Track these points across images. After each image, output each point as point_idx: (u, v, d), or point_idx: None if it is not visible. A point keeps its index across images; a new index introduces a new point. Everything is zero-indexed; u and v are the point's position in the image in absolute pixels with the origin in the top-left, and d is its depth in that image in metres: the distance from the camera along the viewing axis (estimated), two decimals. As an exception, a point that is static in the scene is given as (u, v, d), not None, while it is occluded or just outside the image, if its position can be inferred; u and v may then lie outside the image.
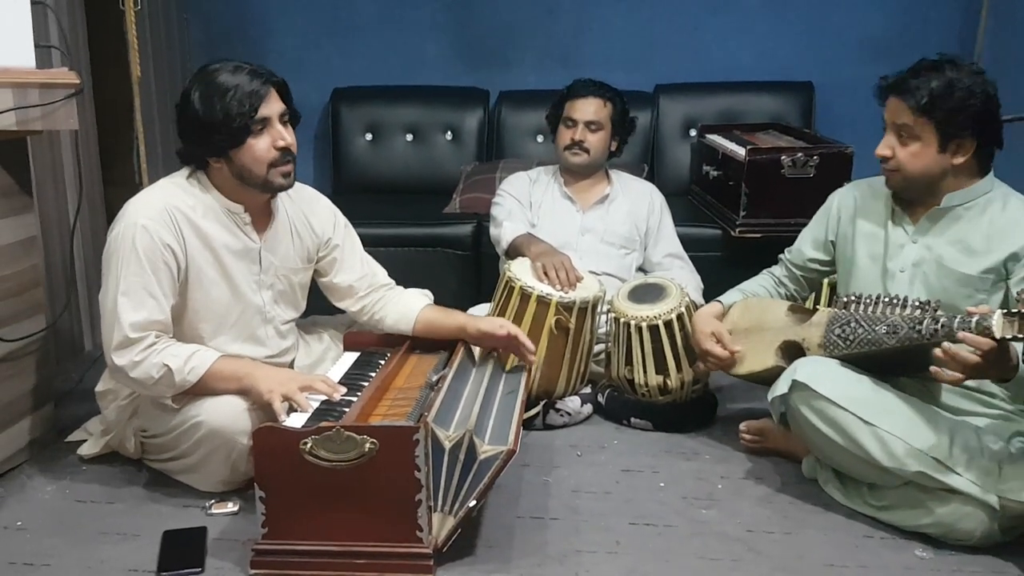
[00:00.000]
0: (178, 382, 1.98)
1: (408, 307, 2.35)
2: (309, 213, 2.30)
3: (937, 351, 1.82)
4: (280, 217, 2.23)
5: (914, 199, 2.14)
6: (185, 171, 2.14)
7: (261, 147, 2.03)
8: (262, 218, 2.18)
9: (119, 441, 2.23)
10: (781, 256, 2.49)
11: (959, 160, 2.03)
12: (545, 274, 2.55)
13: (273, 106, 2.04)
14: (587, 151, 2.90)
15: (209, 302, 2.10)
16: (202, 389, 2.01)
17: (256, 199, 2.14)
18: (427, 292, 2.46)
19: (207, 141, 2.02)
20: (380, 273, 2.41)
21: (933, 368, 1.84)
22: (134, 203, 2.06)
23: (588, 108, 2.89)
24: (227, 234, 2.11)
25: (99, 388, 2.24)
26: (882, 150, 2.09)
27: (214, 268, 2.10)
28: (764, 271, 2.53)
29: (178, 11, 3.84)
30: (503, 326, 2.25)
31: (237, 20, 4.06)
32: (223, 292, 2.12)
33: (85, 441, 2.32)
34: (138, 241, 1.98)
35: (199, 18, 4.02)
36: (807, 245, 2.40)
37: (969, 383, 1.99)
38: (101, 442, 2.26)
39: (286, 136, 2.05)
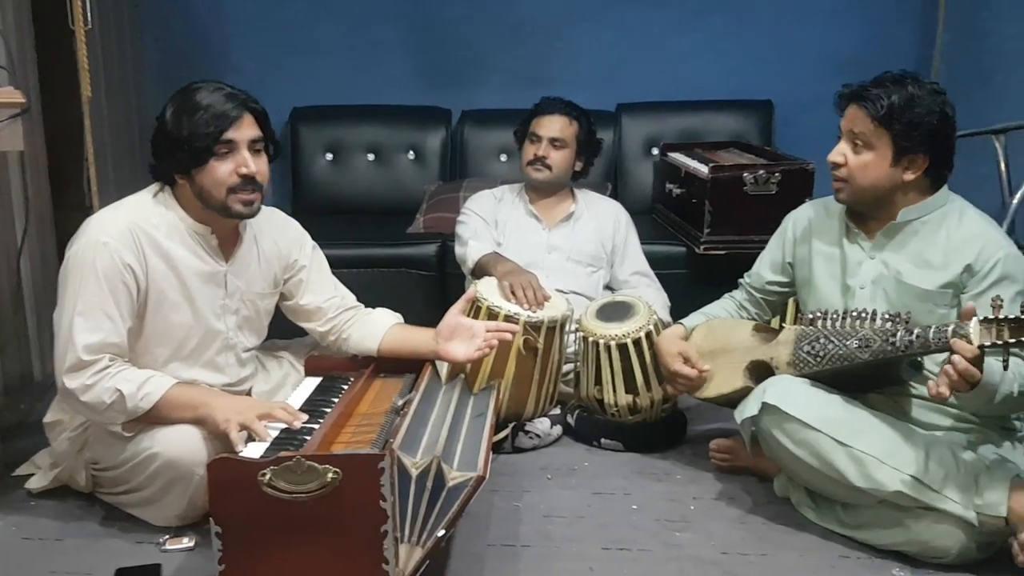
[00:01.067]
0: (130, 408, 1.91)
1: (375, 326, 2.29)
2: (278, 237, 2.25)
3: (947, 367, 1.78)
4: (248, 241, 2.17)
5: (864, 213, 2.13)
6: (152, 189, 2.08)
7: (222, 171, 1.97)
8: (229, 241, 2.12)
9: (69, 474, 2.13)
10: (741, 280, 2.48)
11: (909, 177, 2.03)
12: (512, 293, 2.51)
13: (244, 132, 1.99)
14: (549, 168, 2.88)
15: (168, 326, 2.03)
16: (155, 417, 1.94)
17: (223, 222, 2.07)
18: (397, 314, 2.40)
19: (171, 157, 1.98)
20: (349, 296, 2.35)
21: (930, 383, 1.82)
22: (96, 219, 2.00)
23: (554, 125, 2.88)
24: (193, 256, 2.05)
25: (48, 419, 2.15)
26: (834, 156, 2.08)
27: (177, 291, 2.03)
28: (725, 295, 2.51)
29: (132, 31, 3.75)
30: (469, 355, 2.18)
31: (195, 40, 3.98)
32: (185, 316, 2.05)
33: (33, 475, 2.22)
34: (98, 260, 1.92)
35: (155, 38, 3.93)
36: (765, 268, 2.39)
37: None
38: (51, 475, 2.17)
39: (250, 164, 1.99)
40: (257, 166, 2.01)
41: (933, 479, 1.87)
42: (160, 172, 2.05)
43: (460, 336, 2.20)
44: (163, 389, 1.94)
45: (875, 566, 1.93)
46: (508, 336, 2.21)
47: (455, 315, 2.23)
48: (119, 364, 1.94)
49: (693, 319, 2.44)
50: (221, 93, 1.98)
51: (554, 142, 2.88)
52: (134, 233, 1.97)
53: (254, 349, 2.26)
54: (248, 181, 1.99)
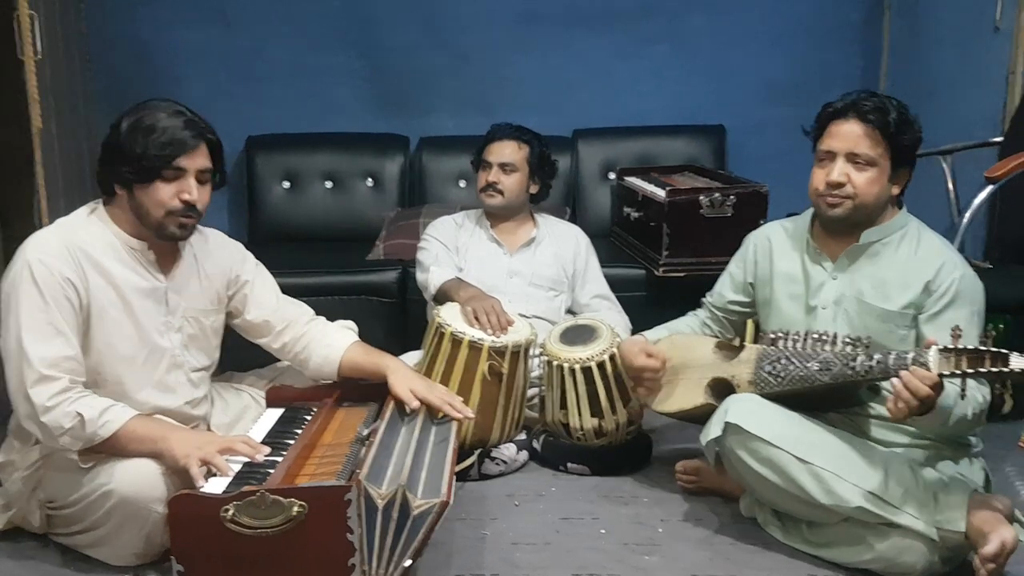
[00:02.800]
0: (88, 434, 1.86)
1: (330, 348, 2.25)
2: (219, 255, 2.23)
3: (896, 382, 1.81)
4: (187, 258, 2.15)
5: (837, 233, 2.14)
6: (85, 209, 2.06)
7: (165, 193, 1.96)
8: (167, 257, 2.10)
9: (22, 516, 2.06)
10: (703, 299, 2.49)
11: (895, 191, 2.07)
12: (476, 319, 2.50)
13: (195, 161, 1.98)
14: (501, 192, 2.90)
15: (113, 343, 1.99)
16: (112, 448, 1.89)
17: (160, 241, 2.06)
18: (351, 324, 2.38)
19: (117, 168, 1.97)
20: (299, 308, 2.32)
21: (889, 402, 1.85)
22: (29, 242, 1.97)
23: (503, 150, 2.90)
24: (130, 272, 2.02)
25: (-1, 459, 2.08)
26: (837, 176, 2.04)
27: (118, 308, 2.00)
28: (689, 313, 2.52)
29: (81, 62, 3.69)
30: (417, 399, 2.12)
31: (142, 69, 3.91)
32: (128, 333, 2.01)
33: (-16, 518, 2.14)
34: (37, 275, 1.89)
35: (102, 67, 3.86)
36: (727, 288, 2.40)
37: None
38: (3, 518, 2.09)
39: (193, 192, 1.98)
40: (200, 196, 2.01)
41: (893, 495, 1.90)
42: (102, 180, 2.04)
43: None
44: (123, 419, 1.89)
45: (842, 583, 1.95)
46: (459, 416, 2.15)
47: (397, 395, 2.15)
48: (79, 389, 1.91)
49: (656, 332, 2.44)
50: (181, 119, 1.97)
51: (504, 167, 2.90)
52: (71, 250, 1.95)
53: (205, 371, 2.21)
54: (189, 207, 1.99)
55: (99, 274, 1.97)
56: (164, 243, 2.07)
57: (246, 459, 1.87)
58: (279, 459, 1.87)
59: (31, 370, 1.86)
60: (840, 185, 2.05)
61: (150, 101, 2.01)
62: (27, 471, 2.02)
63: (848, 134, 2.04)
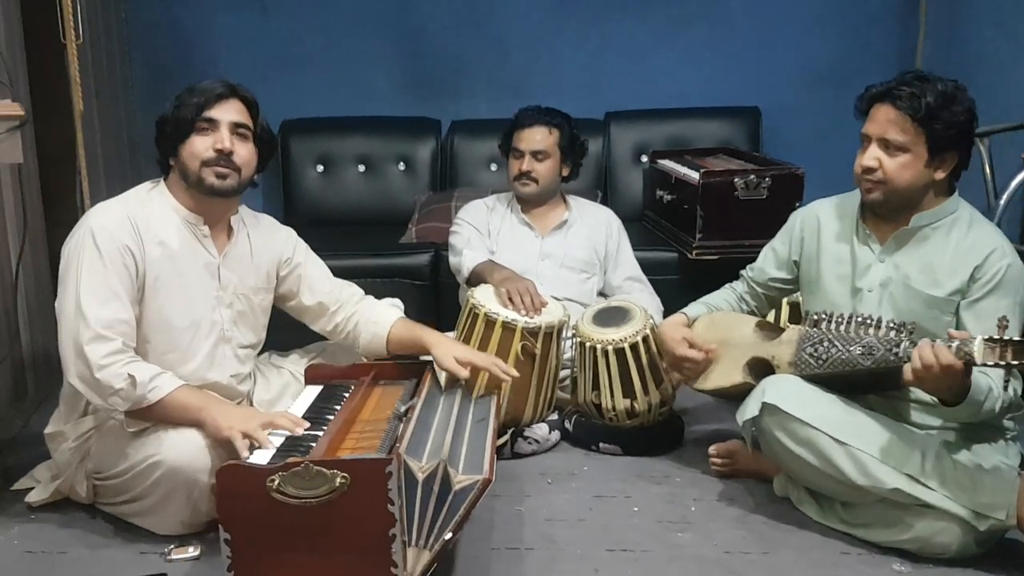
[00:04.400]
0: (137, 395, 1.92)
1: (378, 325, 2.31)
2: (270, 236, 2.29)
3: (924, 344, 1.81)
4: (240, 236, 2.21)
5: (886, 216, 2.11)
6: (147, 185, 2.14)
7: (200, 145, 2.04)
8: (221, 234, 2.17)
9: (70, 486, 2.13)
10: (743, 273, 2.48)
11: (940, 175, 2.02)
12: (510, 300, 2.52)
13: (227, 112, 2.06)
14: (536, 180, 2.89)
15: (165, 314, 2.06)
16: (157, 414, 1.95)
17: (212, 211, 2.12)
18: (397, 302, 2.44)
19: (163, 139, 2.08)
20: (348, 288, 2.38)
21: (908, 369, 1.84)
22: (91, 212, 2.06)
23: (534, 137, 2.89)
24: (186, 246, 2.09)
25: (48, 430, 2.14)
26: (868, 161, 2.03)
27: (172, 279, 2.06)
28: (726, 286, 2.50)
29: (120, 46, 3.75)
30: (467, 367, 2.17)
31: (181, 55, 3.98)
32: (181, 305, 2.08)
33: (33, 488, 2.20)
34: (99, 241, 1.97)
35: (142, 53, 3.93)
36: (770, 264, 2.38)
37: (932, 398, 2.00)
38: (51, 488, 2.16)
39: (226, 141, 2.04)
40: (237, 149, 2.06)
41: (929, 477, 1.90)
42: (158, 155, 2.13)
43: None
44: (172, 386, 1.96)
45: (876, 562, 1.95)
46: (505, 377, 2.21)
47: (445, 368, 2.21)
48: (132, 354, 1.97)
49: (695, 309, 2.43)
50: (217, 82, 2.08)
51: (536, 155, 2.88)
52: (131, 220, 2.02)
53: (251, 348, 2.26)
54: (223, 157, 2.04)
55: (156, 245, 2.04)
56: (219, 218, 2.13)
57: (287, 433, 1.91)
58: (320, 433, 1.91)
59: (88, 329, 1.92)
60: (872, 170, 2.03)
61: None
62: (76, 442, 2.08)
63: (881, 119, 2.02)
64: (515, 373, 2.23)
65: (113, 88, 3.64)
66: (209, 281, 2.12)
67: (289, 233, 2.35)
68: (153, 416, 1.96)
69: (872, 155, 2.03)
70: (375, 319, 2.32)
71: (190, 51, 3.99)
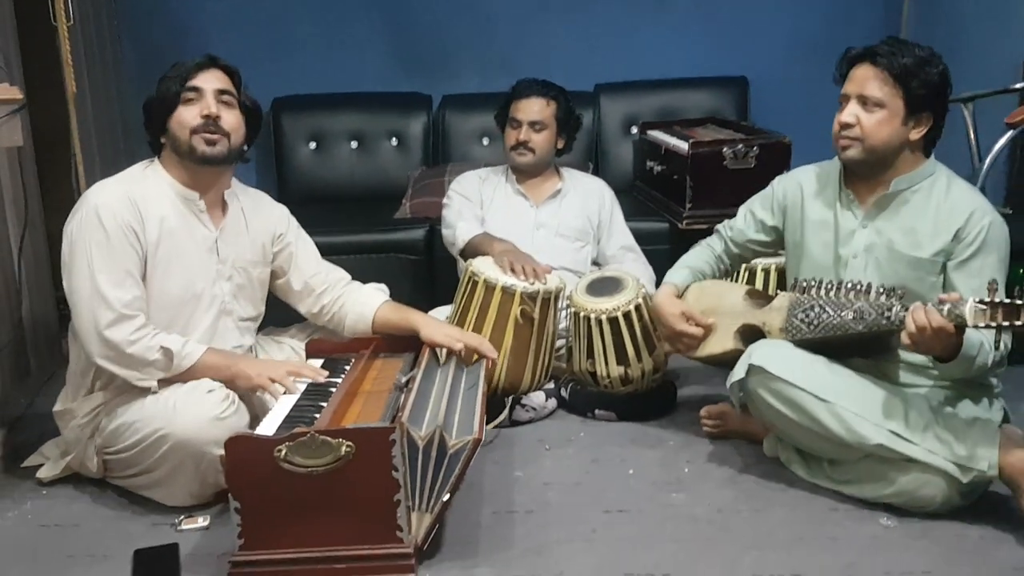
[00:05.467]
0: (175, 365, 2.02)
1: (364, 306, 2.36)
2: (264, 212, 2.34)
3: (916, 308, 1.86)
4: (235, 211, 2.26)
5: (864, 175, 2.15)
6: (142, 164, 2.18)
7: (187, 114, 2.09)
8: (216, 209, 2.22)
9: (79, 461, 2.18)
10: (719, 229, 2.49)
11: (915, 136, 2.07)
12: (512, 269, 2.56)
13: (210, 80, 2.11)
14: (532, 151, 2.93)
15: (167, 289, 2.11)
16: (189, 376, 2.05)
17: (207, 182, 2.16)
18: (383, 287, 2.49)
19: (150, 118, 2.13)
20: (336, 272, 2.42)
21: (903, 333, 1.89)
22: (91, 191, 2.09)
23: (532, 108, 2.92)
24: (184, 221, 2.14)
25: (57, 408, 2.19)
26: (846, 117, 2.08)
27: (173, 254, 2.11)
28: (703, 243, 2.52)
29: (110, 28, 3.75)
30: (459, 341, 2.26)
31: (171, 36, 3.97)
32: (182, 279, 2.13)
33: (43, 465, 2.26)
34: (104, 219, 2.01)
35: (132, 34, 3.93)
36: (750, 228, 2.41)
37: (918, 359, 2.06)
38: (61, 464, 2.21)
39: (212, 107, 2.09)
40: (224, 115, 2.11)
41: (912, 432, 1.96)
42: (148, 135, 2.17)
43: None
44: (201, 351, 2.07)
45: (863, 517, 2.02)
46: (492, 355, 2.30)
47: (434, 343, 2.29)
48: (153, 327, 2.05)
49: (679, 274, 2.45)
50: (198, 57, 2.14)
51: (534, 125, 2.92)
52: (131, 198, 2.06)
53: (251, 321, 2.32)
54: (211, 122, 2.09)
55: (156, 222, 2.08)
56: (214, 193, 2.18)
57: (309, 380, 2.10)
58: (324, 404, 1.97)
59: (108, 311, 1.98)
60: (849, 126, 2.08)
61: None
62: (86, 419, 2.13)
63: (859, 78, 2.08)
64: (494, 354, 2.31)
65: (104, 70, 3.64)
66: (208, 255, 2.18)
67: (283, 210, 2.40)
68: (184, 378, 2.05)
69: (850, 111, 2.08)
70: (362, 300, 2.38)
71: (181, 31, 3.99)
